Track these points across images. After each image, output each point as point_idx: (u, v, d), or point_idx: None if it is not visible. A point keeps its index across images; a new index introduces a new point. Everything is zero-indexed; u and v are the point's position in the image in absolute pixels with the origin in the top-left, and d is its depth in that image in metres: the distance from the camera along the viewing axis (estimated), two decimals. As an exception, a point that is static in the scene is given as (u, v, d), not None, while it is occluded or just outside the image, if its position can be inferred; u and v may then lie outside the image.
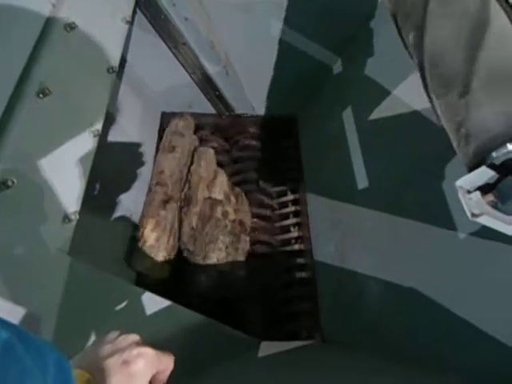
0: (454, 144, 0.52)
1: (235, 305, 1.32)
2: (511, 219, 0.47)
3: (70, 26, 0.84)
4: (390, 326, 0.94)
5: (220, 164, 1.56)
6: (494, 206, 0.46)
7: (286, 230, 1.48)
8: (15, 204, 0.68)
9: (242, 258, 1.34)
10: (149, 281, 1.27)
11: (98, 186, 1.16)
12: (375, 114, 1.14)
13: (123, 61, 1.36)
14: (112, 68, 0.94)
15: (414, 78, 0.61)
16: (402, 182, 1.00)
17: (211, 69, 1.44)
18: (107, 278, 0.83)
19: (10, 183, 0.67)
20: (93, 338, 0.74)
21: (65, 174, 0.78)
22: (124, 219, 1.33)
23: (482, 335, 0.70)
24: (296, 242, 1.44)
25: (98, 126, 0.86)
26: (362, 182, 1.14)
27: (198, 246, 1.30)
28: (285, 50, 1.39)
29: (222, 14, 1.30)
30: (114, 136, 1.28)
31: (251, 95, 1.62)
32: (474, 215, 0.47)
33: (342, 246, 1.19)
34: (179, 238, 1.34)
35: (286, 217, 1.51)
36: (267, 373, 0.94)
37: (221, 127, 1.71)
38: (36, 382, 0.30)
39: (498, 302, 0.70)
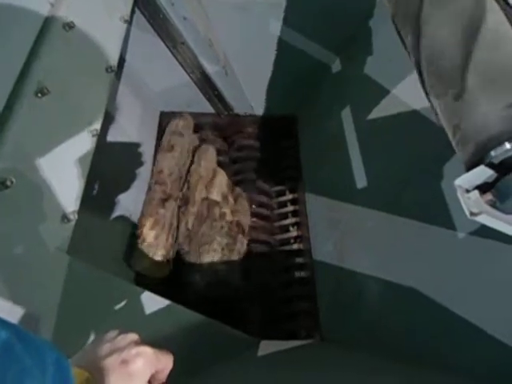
0: (453, 143, 0.52)
1: (234, 304, 1.32)
2: (510, 218, 0.47)
3: (69, 26, 0.84)
4: (388, 325, 0.94)
5: (218, 164, 1.56)
6: (493, 204, 0.47)
7: (285, 229, 1.48)
8: (14, 204, 0.68)
9: (237, 259, 1.34)
10: (148, 280, 1.27)
11: (96, 186, 1.16)
12: (374, 114, 1.14)
13: (122, 60, 1.36)
14: (111, 67, 0.94)
15: (413, 78, 0.61)
16: (400, 181, 1.00)
17: (210, 68, 1.44)
18: (106, 278, 0.83)
19: (8, 183, 0.67)
20: (92, 337, 0.74)
21: (63, 173, 0.78)
22: (123, 219, 1.33)
23: (481, 334, 0.70)
24: (295, 242, 1.44)
25: (97, 126, 0.86)
26: (361, 181, 1.14)
27: (192, 246, 1.30)
28: (283, 49, 1.39)
29: (221, 13, 1.30)
30: (112, 135, 1.28)
31: (250, 95, 1.61)
32: (472, 214, 0.48)
33: (341, 246, 1.19)
34: (176, 238, 1.34)
35: (284, 216, 1.51)
36: (266, 372, 0.94)
37: (220, 127, 1.71)
38: (35, 381, 0.30)
39: (497, 300, 0.70)
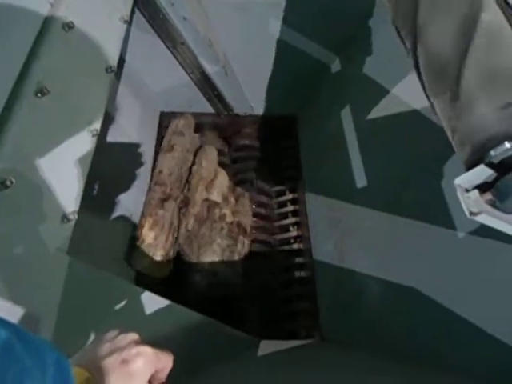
0: (453, 142, 0.52)
1: (234, 304, 1.32)
2: (509, 217, 0.47)
3: (69, 26, 0.84)
4: (389, 325, 0.94)
5: (219, 164, 1.56)
6: (493, 204, 0.47)
7: (285, 229, 1.48)
8: (14, 204, 0.68)
9: (237, 259, 1.34)
10: (148, 280, 1.27)
11: (96, 186, 1.16)
12: (374, 113, 1.14)
13: (121, 60, 1.36)
14: (110, 67, 0.94)
15: (413, 77, 0.61)
16: (400, 180, 1.00)
17: (210, 68, 1.44)
18: (106, 278, 0.83)
19: (8, 183, 0.67)
20: (92, 337, 0.74)
21: (63, 173, 0.78)
22: (123, 219, 1.33)
23: (481, 334, 0.70)
24: (295, 242, 1.44)
25: (97, 126, 0.86)
26: (361, 181, 1.14)
27: (192, 248, 1.30)
28: (283, 49, 1.39)
29: (221, 13, 1.29)
30: (112, 135, 1.28)
31: (250, 95, 1.61)
32: (472, 213, 0.47)
33: (341, 245, 1.19)
34: (176, 239, 1.35)
35: (285, 216, 1.51)
36: (266, 371, 0.94)
37: (220, 127, 1.71)
38: (35, 381, 0.30)
39: (497, 300, 0.70)
